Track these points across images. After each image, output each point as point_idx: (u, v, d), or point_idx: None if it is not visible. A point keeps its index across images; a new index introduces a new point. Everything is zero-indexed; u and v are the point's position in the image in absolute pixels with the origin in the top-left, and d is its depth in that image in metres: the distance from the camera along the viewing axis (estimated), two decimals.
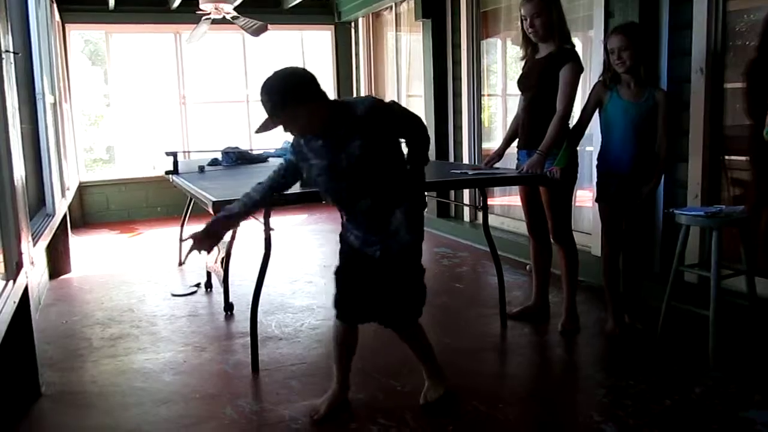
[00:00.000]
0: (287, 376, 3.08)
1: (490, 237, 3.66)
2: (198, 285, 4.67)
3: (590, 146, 4.30)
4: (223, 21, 6.29)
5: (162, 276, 5.06)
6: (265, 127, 2.37)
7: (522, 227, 4.20)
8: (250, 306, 3.18)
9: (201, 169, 4.58)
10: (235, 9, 6.18)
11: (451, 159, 6.30)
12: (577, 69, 3.35)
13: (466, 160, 6.07)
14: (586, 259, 3.83)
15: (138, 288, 4.74)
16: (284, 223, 6.94)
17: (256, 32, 6.46)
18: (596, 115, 3.47)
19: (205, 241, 2.59)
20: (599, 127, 3.48)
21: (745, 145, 3.55)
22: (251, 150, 5.51)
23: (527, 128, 3.54)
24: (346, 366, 2.67)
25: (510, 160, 3.86)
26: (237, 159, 4.97)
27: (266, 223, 3.09)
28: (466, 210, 6.19)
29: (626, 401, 2.70)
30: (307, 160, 2.50)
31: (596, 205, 3.62)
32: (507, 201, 5.77)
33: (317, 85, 2.37)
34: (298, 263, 5.30)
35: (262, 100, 2.33)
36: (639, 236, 3.51)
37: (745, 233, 3.13)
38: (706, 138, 3.66)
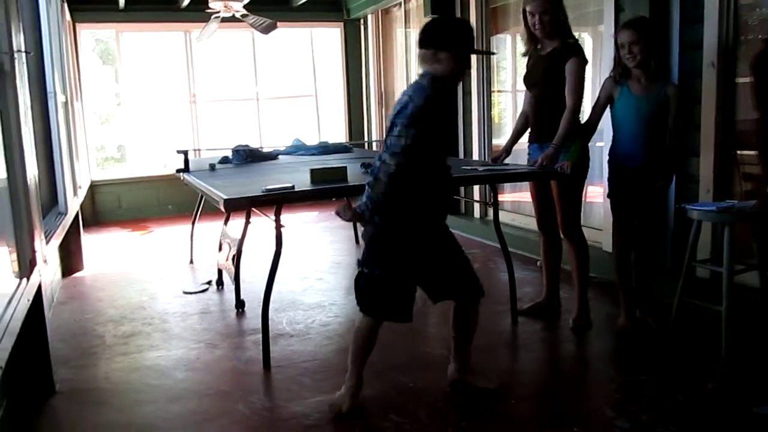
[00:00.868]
0: (299, 373, 3.09)
1: (500, 233, 3.66)
2: (209, 282, 4.69)
3: (600, 142, 4.28)
4: (233, 19, 6.30)
5: (173, 274, 5.09)
6: None
7: (532, 223, 4.19)
8: (261, 303, 3.18)
9: (212, 167, 4.59)
10: (245, 7, 6.19)
11: (461, 156, 6.29)
12: (582, 62, 3.38)
13: (476, 157, 6.05)
14: (597, 255, 3.82)
15: (150, 286, 4.76)
16: (295, 220, 6.95)
17: (266, 30, 6.47)
18: (607, 110, 3.46)
19: (347, 211, 2.60)
20: (611, 122, 3.47)
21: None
22: (261, 148, 5.52)
23: (537, 123, 3.56)
24: (366, 362, 2.68)
25: (519, 156, 3.85)
26: (247, 157, 4.98)
27: (277, 220, 3.09)
28: (477, 206, 6.18)
29: (639, 397, 2.69)
30: None
31: (607, 200, 3.60)
32: (517, 197, 5.75)
33: None
34: (309, 260, 5.31)
35: None
36: (651, 232, 3.50)
37: (757, 228, 3.11)
38: (718, 133, 3.64)
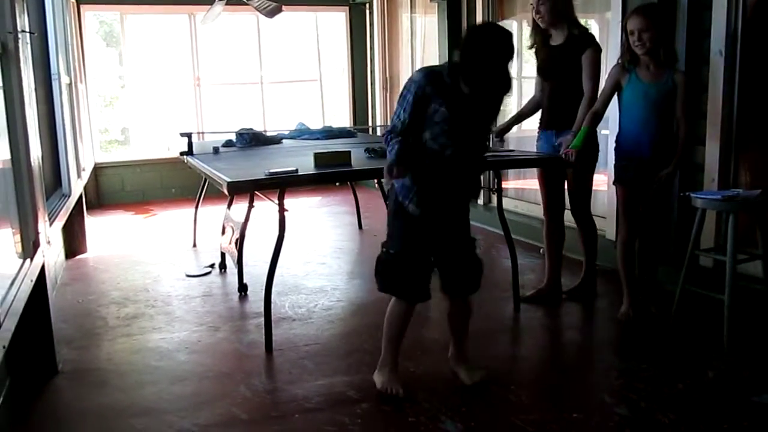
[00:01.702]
0: (300, 356, 3.10)
1: (504, 220, 3.66)
2: (212, 266, 4.70)
3: (606, 130, 4.25)
4: (238, 2, 6.26)
5: (176, 256, 5.10)
6: None
7: (536, 210, 4.18)
8: (263, 287, 3.19)
9: (215, 150, 4.58)
10: None
11: None
12: (598, 51, 3.48)
13: None
14: (600, 243, 3.81)
15: (153, 268, 4.77)
16: (298, 204, 6.96)
17: (271, 13, 6.43)
18: (614, 98, 3.44)
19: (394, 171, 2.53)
20: (618, 109, 3.45)
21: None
22: (265, 131, 5.51)
23: (552, 111, 3.63)
24: (401, 344, 2.71)
25: (525, 143, 3.84)
26: (251, 140, 4.97)
27: (280, 204, 3.09)
28: (480, 193, 6.15)
29: (639, 384, 2.70)
30: None
31: (611, 188, 3.59)
32: (521, 184, 5.73)
33: None
34: (312, 245, 5.31)
35: None
36: (656, 220, 3.48)
37: (762, 217, 3.10)
38: (724, 121, 3.61)
